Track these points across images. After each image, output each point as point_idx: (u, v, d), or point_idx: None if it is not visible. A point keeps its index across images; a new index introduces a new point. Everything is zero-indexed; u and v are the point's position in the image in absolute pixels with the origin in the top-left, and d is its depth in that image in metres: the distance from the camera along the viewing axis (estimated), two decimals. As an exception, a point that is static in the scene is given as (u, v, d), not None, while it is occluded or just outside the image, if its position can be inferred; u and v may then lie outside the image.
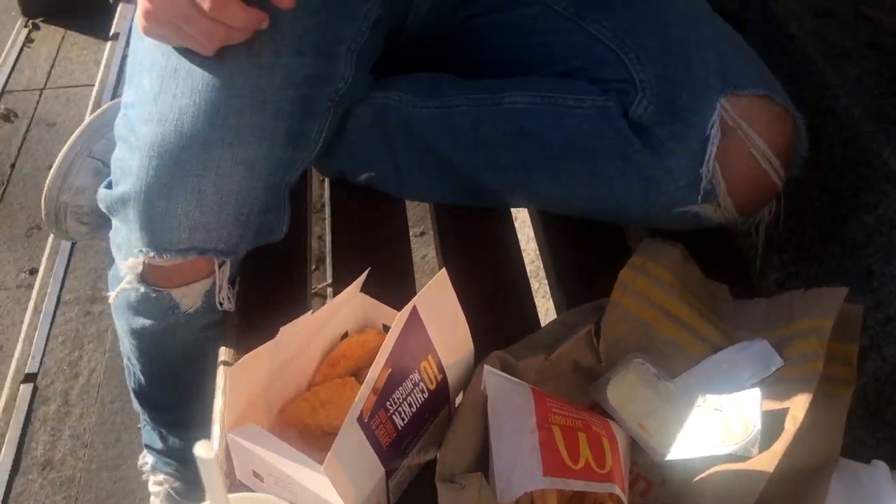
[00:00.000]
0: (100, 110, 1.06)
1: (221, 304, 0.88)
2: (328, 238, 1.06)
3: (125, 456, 1.46)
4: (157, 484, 1.24)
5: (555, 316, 0.86)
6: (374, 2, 0.91)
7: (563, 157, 0.89)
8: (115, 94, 1.95)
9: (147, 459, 1.24)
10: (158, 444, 1.20)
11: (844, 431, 0.71)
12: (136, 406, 1.17)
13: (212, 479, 0.47)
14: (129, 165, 0.82)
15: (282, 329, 0.62)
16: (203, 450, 0.45)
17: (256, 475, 0.64)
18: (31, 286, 1.76)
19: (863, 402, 0.89)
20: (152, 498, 1.26)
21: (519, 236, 1.01)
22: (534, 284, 1.28)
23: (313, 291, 1.32)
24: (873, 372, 0.89)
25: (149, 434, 1.21)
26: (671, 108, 0.84)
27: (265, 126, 0.82)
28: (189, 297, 0.88)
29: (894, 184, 0.90)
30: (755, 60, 0.89)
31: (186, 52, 0.81)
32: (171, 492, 1.24)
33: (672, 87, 0.84)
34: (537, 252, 1.18)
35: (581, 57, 0.92)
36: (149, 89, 0.82)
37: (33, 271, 1.80)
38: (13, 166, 2.06)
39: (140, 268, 0.85)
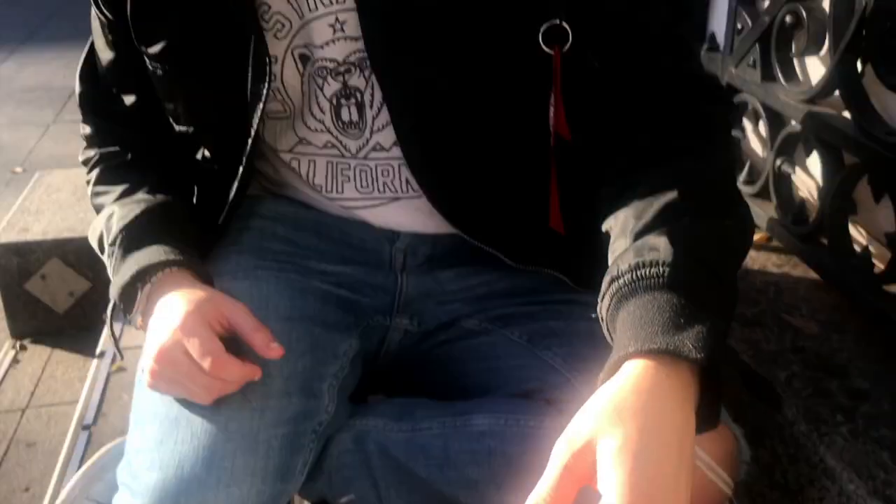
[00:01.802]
0: (98, 454, 1.13)
1: None
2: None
3: None
4: None
5: None
6: (352, 340, 1.03)
7: (531, 473, 0.97)
8: (99, 412, 2.02)
9: None
10: None
11: None
12: None
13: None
14: None
15: None
16: None
17: None
18: None
19: None
20: None
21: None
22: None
23: None
24: None
25: None
26: None
27: (256, 465, 0.89)
28: None
29: (832, 479, 0.99)
30: None
31: (186, 402, 0.90)
32: None
33: None
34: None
35: (536, 379, 1.02)
36: (151, 437, 0.90)
37: None
38: (-12, 490, 2.06)
39: None
